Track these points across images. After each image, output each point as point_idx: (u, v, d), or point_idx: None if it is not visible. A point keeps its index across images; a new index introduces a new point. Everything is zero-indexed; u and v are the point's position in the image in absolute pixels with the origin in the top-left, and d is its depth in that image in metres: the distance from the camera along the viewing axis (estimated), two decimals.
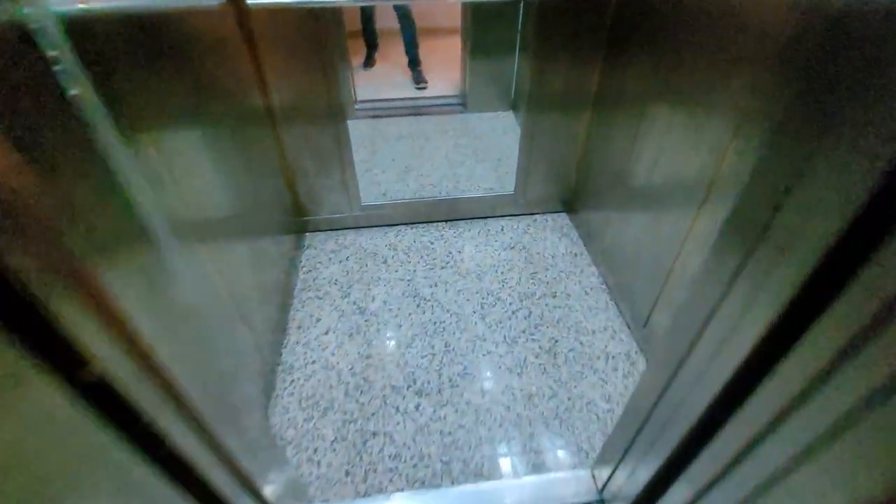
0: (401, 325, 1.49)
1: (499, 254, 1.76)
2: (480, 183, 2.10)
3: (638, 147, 1.30)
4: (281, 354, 1.41)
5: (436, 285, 1.63)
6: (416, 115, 2.73)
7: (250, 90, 1.36)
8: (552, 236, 1.84)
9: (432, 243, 1.81)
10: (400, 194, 2.05)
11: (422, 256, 1.75)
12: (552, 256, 1.75)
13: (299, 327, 1.49)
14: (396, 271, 1.69)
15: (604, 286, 1.61)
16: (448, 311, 1.54)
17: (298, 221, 1.81)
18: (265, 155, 1.46)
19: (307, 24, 1.34)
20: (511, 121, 2.65)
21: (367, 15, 3.15)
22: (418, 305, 1.56)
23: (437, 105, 2.80)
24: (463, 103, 2.76)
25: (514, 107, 2.72)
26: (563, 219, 1.92)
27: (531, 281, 1.64)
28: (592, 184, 1.68)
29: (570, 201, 1.91)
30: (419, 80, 3.08)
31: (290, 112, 1.51)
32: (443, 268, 1.70)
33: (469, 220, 1.91)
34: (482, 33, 2.43)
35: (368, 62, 3.34)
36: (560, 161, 1.78)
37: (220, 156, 1.06)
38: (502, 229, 1.87)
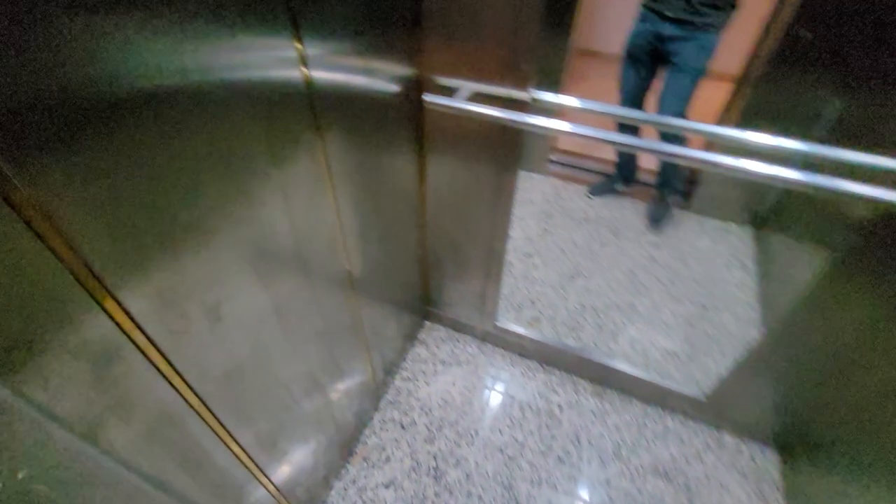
0: None
1: (643, 477, 1.24)
2: (658, 345, 1.54)
3: None
4: (330, 489, 1.21)
5: (540, 484, 1.23)
6: (614, 191, 2.18)
7: (408, 169, 1.09)
8: (736, 484, 1.23)
9: (561, 411, 1.38)
10: (551, 308, 1.63)
11: (540, 427, 1.34)
12: None
13: (365, 459, 1.27)
14: (500, 433, 1.33)
15: None
16: None
17: (421, 306, 1.56)
18: (405, 227, 1.21)
19: (485, 131, 0.98)
20: (744, 245, 1.92)
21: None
22: None
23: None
24: (684, 192, 2.08)
25: (756, 223, 1.96)
26: (765, 458, 1.28)
27: None
28: (847, 427, 1.02)
29: (786, 438, 1.25)
30: (657, 215, 2.02)
31: (442, 202, 1.21)
32: (560, 460, 1.27)
33: (624, 397, 1.41)
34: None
35: (604, 190, 2.20)
36: (808, 371, 1.13)
37: (363, 216, 0.84)
38: (665, 435, 1.33)
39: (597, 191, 2.18)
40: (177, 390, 0.58)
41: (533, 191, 2.21)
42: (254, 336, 0.71)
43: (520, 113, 0.86)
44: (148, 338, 0.51)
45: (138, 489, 0.55)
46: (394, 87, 0.88)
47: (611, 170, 2.19)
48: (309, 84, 0.65)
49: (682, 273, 1.79)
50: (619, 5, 3.03)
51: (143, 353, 0.51)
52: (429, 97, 0.91)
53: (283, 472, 0.92)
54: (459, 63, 0.90)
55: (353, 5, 0.69)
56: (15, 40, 0.32)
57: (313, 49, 0.63)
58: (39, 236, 0.38)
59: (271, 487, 0.88)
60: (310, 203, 0.74)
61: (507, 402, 1.40)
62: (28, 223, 0.37)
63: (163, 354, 0.54)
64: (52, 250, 0.39)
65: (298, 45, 0.61)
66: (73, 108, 0.37)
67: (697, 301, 1.68)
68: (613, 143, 0.83)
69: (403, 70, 0.89)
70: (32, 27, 0.33)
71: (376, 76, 0.81)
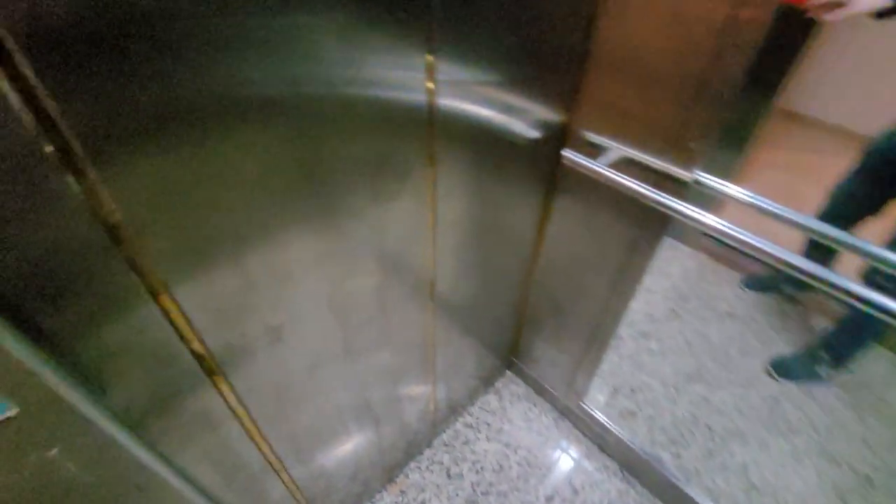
0: None
1: None
2: None
3: None
4: None
5: None
6: (779, 291, 1.78)
7: (524, 221, 1.01)
8: None
9: None
10: (654, 406, 1.38)
11: None
12: None
13: (402, 492, 1.22)
14: None
15: None
16: None
17: (507, 353, 1.45)
18: (507, 275, 1.12)
19: (627, 202, 0.83)
20: None
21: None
22: None
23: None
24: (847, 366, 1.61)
25: None
26: None
27: None
28: None
29: None
30: (800, 370, 1.48)
31: (556, 263, 1.08)
32: None
33: None
34: None
35: (765, 286, 1.77)
36: None
37: (462, 255, 0.83)
38: None
39: (755, 284, 1.80)
40: (223, 398, 0.58)
41: (673, 262, 1.93)
42: (313, 359, 0.69)
43: (675, 198, 0.70)
44: (205, 346, 0.52)
45: (174, 488, 0.56)
46: (529, 131, 0.79)
47: None
48: (432, 110, 0.60)
49: (849, 425, 1.38)
50: (848, 67, 2.48)
51: (197, 359, 0.52)
52: (569, 153, 0.80)
53: (318, 479, 0.91)
54: (615, 120, 0.78)
55: (506, 26, 0.62)
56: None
57: (445, 69, 0.58)
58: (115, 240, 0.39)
59: (298, 493, 0.88)
60: (405, 232, 0.70)
61: (567, 495, 1.22)
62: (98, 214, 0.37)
63: (217, 363, 0.54)
64: (124, 249, 0.40)
65: (429, 58, 0.56)
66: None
67: (861, 471, 1.27)
68: (791, 266, 0.63)
69: (546, 114, 0.80)
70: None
71: (512, 115, 0.74)
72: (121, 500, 0.51)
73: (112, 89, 0.34)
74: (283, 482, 0.81)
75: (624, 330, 1.63)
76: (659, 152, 0.75)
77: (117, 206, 0.38)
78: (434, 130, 0.63)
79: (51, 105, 0.32)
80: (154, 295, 0.44)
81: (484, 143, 0.73)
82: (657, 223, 0.82)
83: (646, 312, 1.71)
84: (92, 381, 0.43)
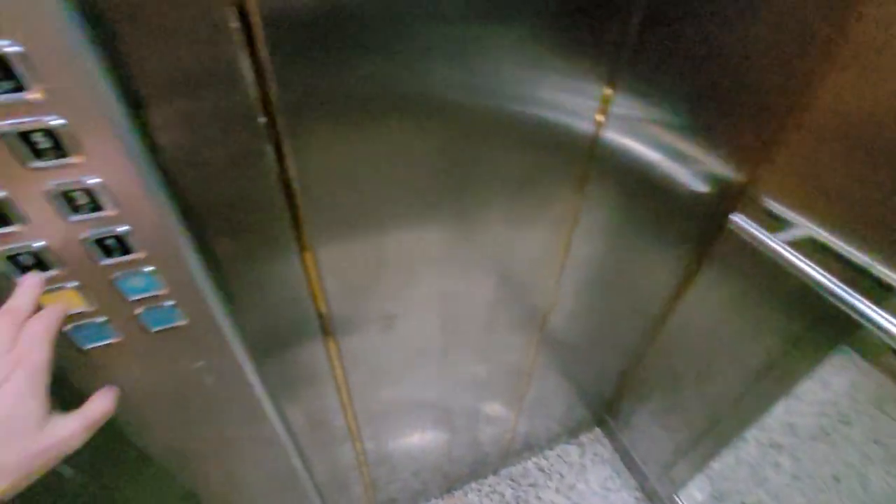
0: None
1: None
2: None
3: None
4: None
5: None
6: None
7: (665, 279, 0.92)
8: None
9: None
10: None
11: None
12: None
13: None
14: None
15: None
16: None
17: (600, 409, 1.33)
18: (627, 329, 1.04)
19: (800, 290, 0.69)
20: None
21: None
22: None
23: None
24: None
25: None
26: None
27: None
28: None
29: None
30: None
31: (687, 336, 0.96)
32: None
33: None
34: None
35: None
36: None
37: (584, 295, 0.78)
38: None
39: None
40: (329, 358, 0.64)
41: (840, 372, 1.58)
42: (413, 353, 0.72)
43: (873, 304, 0.57)
44: (329, 309, 0.57)
45: (272, 424, 0.63)
46: (697, 184, 0.71)
47: None
48: (595, 142, 0.57)
49: None
50: None
51: (319, 318, 0.58)
52: (739, 219, 0.70)
53: (384, 462, 0.94)
54: (812, 192, 0.66)
55: (702, 66, 0.56)
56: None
57: (621, 103, 0.55)
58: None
59: (364, 468, 0.92)
60: (532, 259, 0.69)
61: None
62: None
63: (334, 328, 0.60)
64: (292, 206, 0.46)
65: (608, 91, 0.53)
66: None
67: None
68: None
69: (721, 169, 0.70)
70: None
71: (682, 163, 0.67)
72: (235, 422, 0.59)
73: (323, 78, 0.39)
74: (356, 451, 0.86)
75: (752, 431, 1.38)
76: (863, 243, 0.61)
77: (296, 173, 0.43)
78: (591, 164, 0.60)
79: (272, 83, 0.38)
80: (302, 251, 0.50)
81: (641, 188, 0.67)
82: (837, 327, 0.67)
83: (786, 421, 1.43)
84: (237, 310, 0.51)
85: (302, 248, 0.50)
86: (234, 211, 0.44)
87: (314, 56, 0.37)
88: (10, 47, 0.27)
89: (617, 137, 0.59)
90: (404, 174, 0.49)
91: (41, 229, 0.35)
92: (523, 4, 0.42)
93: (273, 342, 0.57)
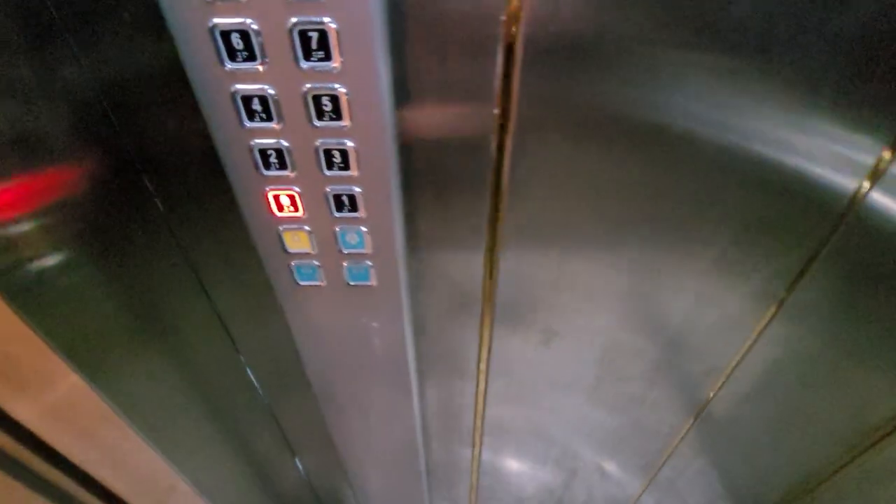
0: None
1: None
2: None
3: None
4: None
5: None
6: None
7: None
8: None
9: None
10: None
11: None
12: None
13: None
14: None
15: None
16: None
17: None
18: (812, 455, 0.86)
19: None
20: None
21: None
22: None
23: None
24: None
25: None
26: None
27: None
28: None
29: None
30: None
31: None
32: None
33: None
34: None
35: None
36: None
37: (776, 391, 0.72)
38: None
39: None
40: (479, 351, 0.64)
41: None
42: (559, 380, 0.68)
43: None
44: (493, 304, 0.57)
45: (413, 401, 0.67)
46: None
47: None
48: (852, 211, 0.46)
49: None
50: None
51: (482, 309, 0.58)
52: None
53: (493, 476, 0.93)
54: None
55: None
56: None
57: None
58: None
59: (474, 475, 0.92)
60: (710, 329, 0.59)
61: None
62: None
63: (492, 321, 0.60)
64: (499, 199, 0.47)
65: (886, 154, 0.42)
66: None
67: None
68: None
69: None
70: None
71: None
72: (383, 386, 0.64)
73: (567, 96, 0.39)
74: (473, 454, 0.86)
75: None
76: None
77: (508, 176, 0.44)
78: (835, 236, 0.48)
79: (514, 95, 0.39)
80: (489, 249, 0.51)
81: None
82: None
83: None
84: (413, 287, 0.54)
85: (490, 247, 0.51)
86: (441, 196, 0.47)
87: (569, 75, 0.38)
88: (331, 24, 0.33)
89: (885, 207, 0.46)
90: (610, 201, 0.47)
91: (302, 179, 0.42)
92: (801, 38, 0.36)
93: (434, 325, 0.60)
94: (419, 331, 0.59)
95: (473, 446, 0.82)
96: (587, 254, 0.52)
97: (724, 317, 0.58)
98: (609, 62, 0.37)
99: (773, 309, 0.56)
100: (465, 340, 0.62)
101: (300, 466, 0.87)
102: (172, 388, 0.63)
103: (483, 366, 0.65)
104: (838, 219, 0.48)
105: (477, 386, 0.69)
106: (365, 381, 0.63)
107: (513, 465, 0.89)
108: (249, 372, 0.71)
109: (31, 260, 0.43)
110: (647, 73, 0.38)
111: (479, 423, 0.76)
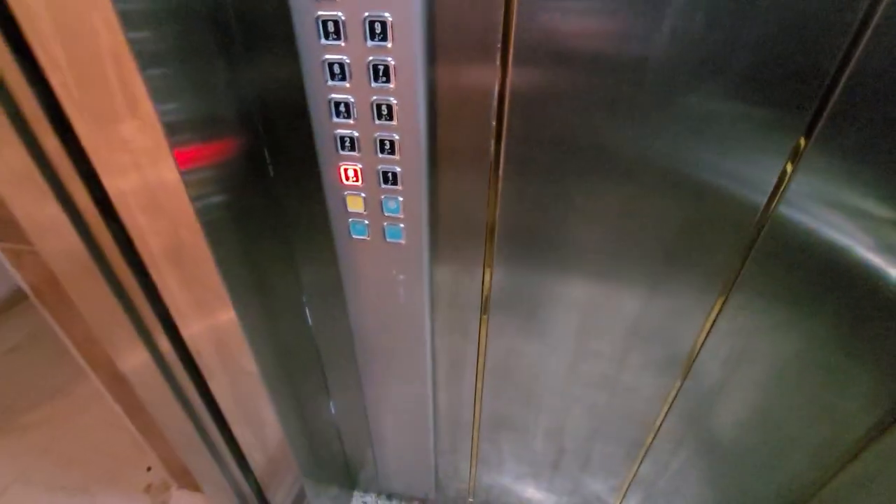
0: None
1: None
2: None
3: None
4: None
5: None
6: None
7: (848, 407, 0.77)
8: None
9: None
10: None
11: None
12: None
13: None
14: None
15: None
16: None
17: None
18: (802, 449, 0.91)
19: None
20: None
21: None
22: None
23: None
24: None
25: None
26: None
27: None
28: None
29: None
30: None
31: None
32: None
33: None
34: None
35: None
36: None
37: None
38: None
39: None
40: (479, 337, 0.80)
41: None
42: (545, 356, 0.82)
43: None
44: (489, 300, 0.74)
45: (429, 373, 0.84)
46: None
47: None
48: (765, 216, 0.58)
49: None
50: None
51: (483, 300, 0.75)
52: None
53: (490, 460, 1.05)
54: None
55: None
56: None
57: (808, 169, 0.53)
58: None
59: (473, 458, 1.05)
60: (662, 337, 0.71)
61: None
62: None
63: (489, 316, 0.76)
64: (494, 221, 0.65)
65: (803, 142, 0.52)
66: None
67: None
68: None
69: None
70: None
71: (878, 250, 0.58)
72: (400, 339, 0.81)
73: (551, 128, 0.56)
74: (472, 441, 0.99)
75: None
76: None
77: (502, 204, 0.62)
78: (758, 236, 0.59)
79: (506, 118, 0.57)
80: (487, 264, 0.68)
81: (818, 282, 0.62)
82: None
83: None
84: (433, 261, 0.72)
85: (487, 259, 0.68)
86: (456, 181, 0.65)
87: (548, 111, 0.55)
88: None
89: (794, 215, 0.57)
90: (585, 218, 0.63)
91: (364, 158, 0.62)
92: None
93: (445, 298, 0.77)
94: (435, 287, 0.77)
95: (473, 430, 0.97)
96: (566, 267, 0.67)
97: (665, 335, 0.70)
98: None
99: (701, 331, 0.68)
100: (469, 323, 0.79)
101: (332, 409, 1.06)
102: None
103: (483, 348, 0.81)
104: (750, 238, 0.59)
105: (476, 370, 0.85)
106: (391, 327, 0.81)
107: (507, 452, 1.01)
108: (308, 315, 0.91)
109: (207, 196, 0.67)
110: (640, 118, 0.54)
111: (478, 409, 0.91)
